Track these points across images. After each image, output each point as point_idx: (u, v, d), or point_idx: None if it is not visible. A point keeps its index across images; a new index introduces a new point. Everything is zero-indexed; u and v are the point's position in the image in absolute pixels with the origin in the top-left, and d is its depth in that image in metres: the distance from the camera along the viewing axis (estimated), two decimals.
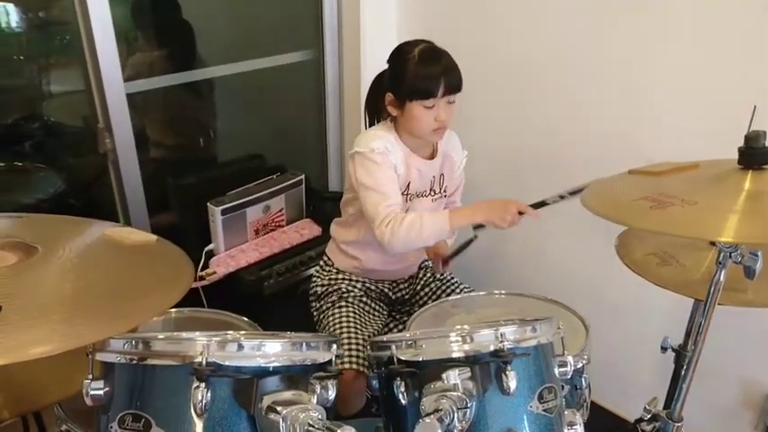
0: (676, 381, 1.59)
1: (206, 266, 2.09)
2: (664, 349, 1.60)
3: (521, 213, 1.47)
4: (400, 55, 1.54)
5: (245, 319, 1.50)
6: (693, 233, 1.06)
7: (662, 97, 1.76)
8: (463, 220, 1.51)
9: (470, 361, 1.03)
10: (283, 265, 2.15)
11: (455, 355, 1.04)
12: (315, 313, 1.78)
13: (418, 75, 1.49)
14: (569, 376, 1.15)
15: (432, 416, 0.93)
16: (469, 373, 1.00)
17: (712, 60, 1.64)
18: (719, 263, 1.16)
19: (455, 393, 0.98)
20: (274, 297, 2.10)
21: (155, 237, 1.12)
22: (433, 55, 1.51)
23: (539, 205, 1.50)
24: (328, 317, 1.67)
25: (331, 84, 2.44)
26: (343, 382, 1.48)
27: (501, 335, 1.03)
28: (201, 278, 2.04)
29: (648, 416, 1.37)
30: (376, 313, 1.74)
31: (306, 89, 2.50)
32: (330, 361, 1.04)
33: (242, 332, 1.20)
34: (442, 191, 1.69)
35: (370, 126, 1.69)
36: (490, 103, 2.15)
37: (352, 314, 1.66)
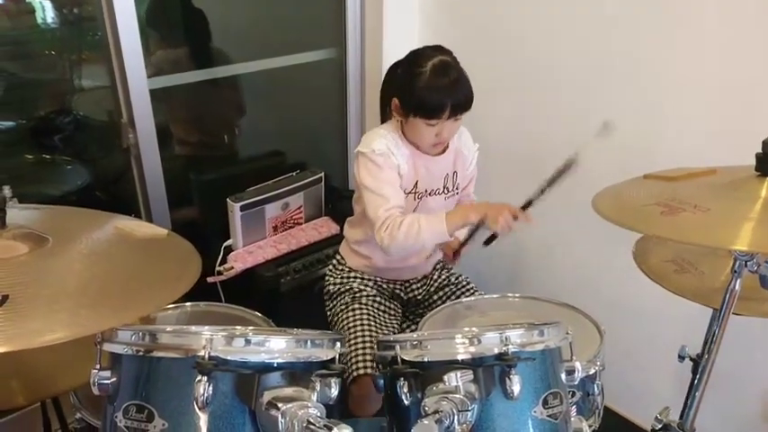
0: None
1: (224, 262, 2.12)
2: (681, 358, 1.56)
3: (516, 219, 1.43)
4: (412, 66, 1.49)
5: (259, 314, 1.51)
6: (704, 241, 1.04)
7: (682, 101, 1.73)
8: (459, 221, 1.48)
9: (474, 363, 1.02)
10: (300, 262, 2.16)
11: (459, 357, 1.03)
12: (328, 313, 1.78)
13: (425, 94, 1.45)
14: (576, 382, 1.13)
15: (430, 417, 0.92)
16: (471, 376, 0.99)
17: (732, 65, 1.60)
18: (735, 271, 1.14)
19: (457, 396, 0.97)
20: (291, 294, 2.11)
21: (165, 231, 1.13)
22: (443, 74, 1.45)
23: (526, 205, 1.45)
24: (343, 319, 1.66)
25: (352, 82, 2.44)
26: (357, 386, 1.48)
27: (506, 338, 1.02)
28: (219, 273, 2.07)
29: (659, 425, 1.34)
30: (391, 312, 1.73)
31: (327, 87, 2.51)
32: (333, 359, 1.04)
33: (249, 328, 1.21)
34: (455, 188, 1.67)
35: (383, 118, 1.67)
36: (508, 103, 2.14)
37: (366, 316, 1.64)
